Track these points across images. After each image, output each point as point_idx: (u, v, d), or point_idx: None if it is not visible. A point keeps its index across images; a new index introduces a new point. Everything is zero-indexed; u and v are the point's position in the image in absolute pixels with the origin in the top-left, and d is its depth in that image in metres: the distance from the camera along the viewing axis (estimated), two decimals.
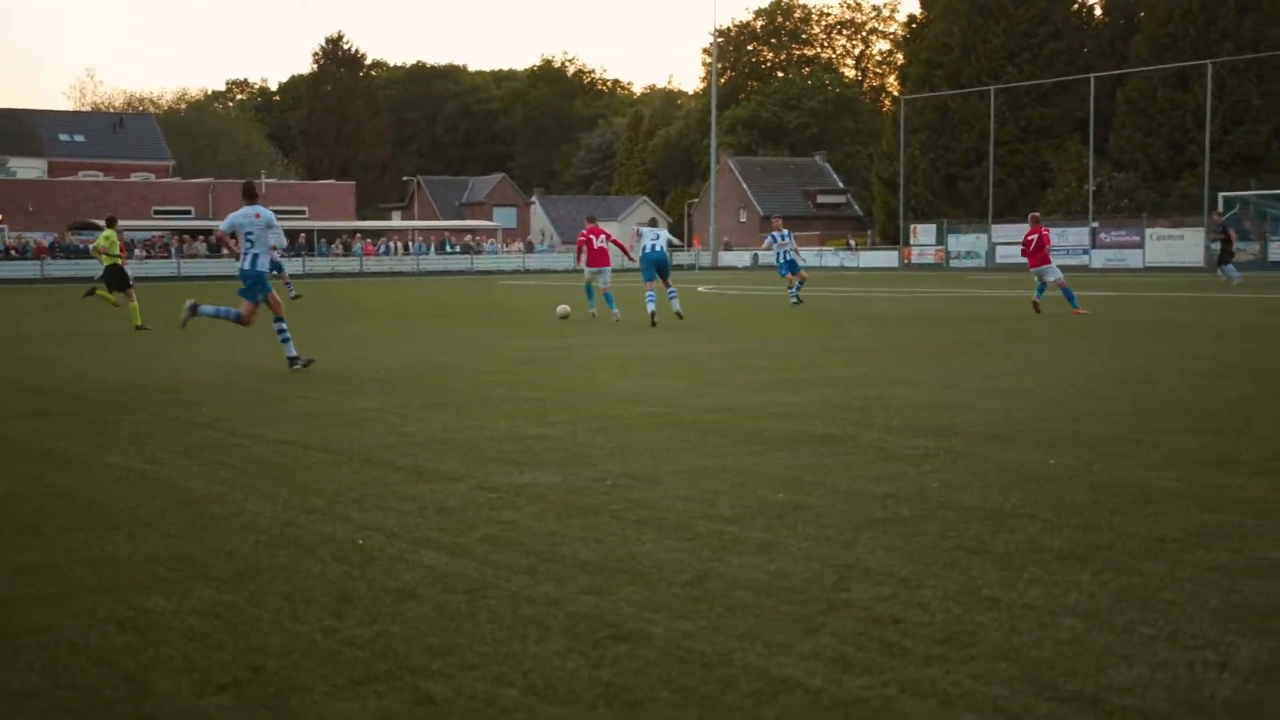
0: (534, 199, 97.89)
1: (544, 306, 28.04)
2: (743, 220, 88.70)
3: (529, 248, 76.34)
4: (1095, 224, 58.41)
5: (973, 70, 68.21)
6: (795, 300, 25.60)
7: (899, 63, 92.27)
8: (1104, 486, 6.39)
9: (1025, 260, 23.07)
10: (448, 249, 71.18)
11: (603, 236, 23.53)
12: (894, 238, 70.07)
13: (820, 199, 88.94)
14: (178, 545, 5.45)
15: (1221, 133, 58.79)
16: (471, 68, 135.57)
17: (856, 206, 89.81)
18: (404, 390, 11.28)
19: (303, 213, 73.78)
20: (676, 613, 4.30)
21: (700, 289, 37.17)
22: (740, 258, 74.60)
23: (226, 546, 5.40)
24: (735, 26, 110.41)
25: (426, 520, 5.85)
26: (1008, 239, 61.83)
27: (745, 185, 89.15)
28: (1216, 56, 58.56)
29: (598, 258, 23.23)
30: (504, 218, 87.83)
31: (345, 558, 5.16)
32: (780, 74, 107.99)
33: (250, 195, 13.93)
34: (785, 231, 26.29)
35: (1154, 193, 61.19)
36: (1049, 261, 22.83)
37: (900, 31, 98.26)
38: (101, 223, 25.71)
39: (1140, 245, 55.92)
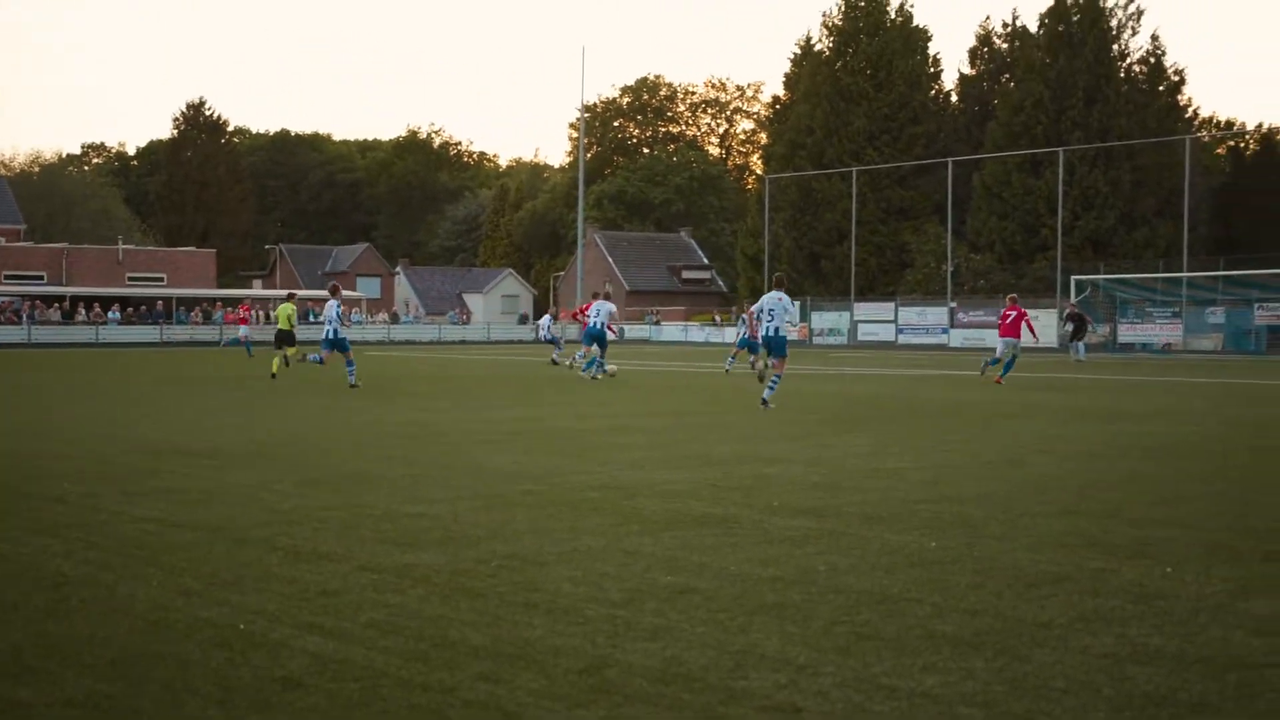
0: (398, 269, 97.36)
1: (410, 378, 27.77)
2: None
3: (394, 318, 75.83)
4: (954, 304, 59.82)
5: (835, 151, 69.70)
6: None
7: (763, 142, 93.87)
8: (986, 570, 6.46)
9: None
10: (310, 318, 70.29)
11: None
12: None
13: (685, 274, 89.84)
14: (45, 631, 5.22)
15: (1072, 218, 60.76)
16: (336, 137, 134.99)
17: (721, 282, 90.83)
18: (275, 465, 11.03)
19: (161, 280, 72.34)
20: (574, 702, 4.22)
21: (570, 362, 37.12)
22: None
23: (99, 632, 5.18)
24: (602, 102, 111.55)
25: (309, 604, 5.68)
26: (870, 316, 63.13)
27: (611, 260, 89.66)
28: (1067, 145, 60.64)
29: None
30: (368, 288, 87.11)
31: (226, 643, 4.98)
32: (646, 150, 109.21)
33: (780, 285, 19.32)
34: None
35: (1010, 274, 62.87)
36: (1018, 336, 26.87)
37: (764, 112, 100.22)
38: None
39: (997, 325, 57.34)
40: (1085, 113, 62.01)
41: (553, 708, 4.15)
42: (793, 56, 76.38)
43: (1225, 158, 74.11)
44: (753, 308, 19.79)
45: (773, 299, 19.13)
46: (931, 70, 72.69)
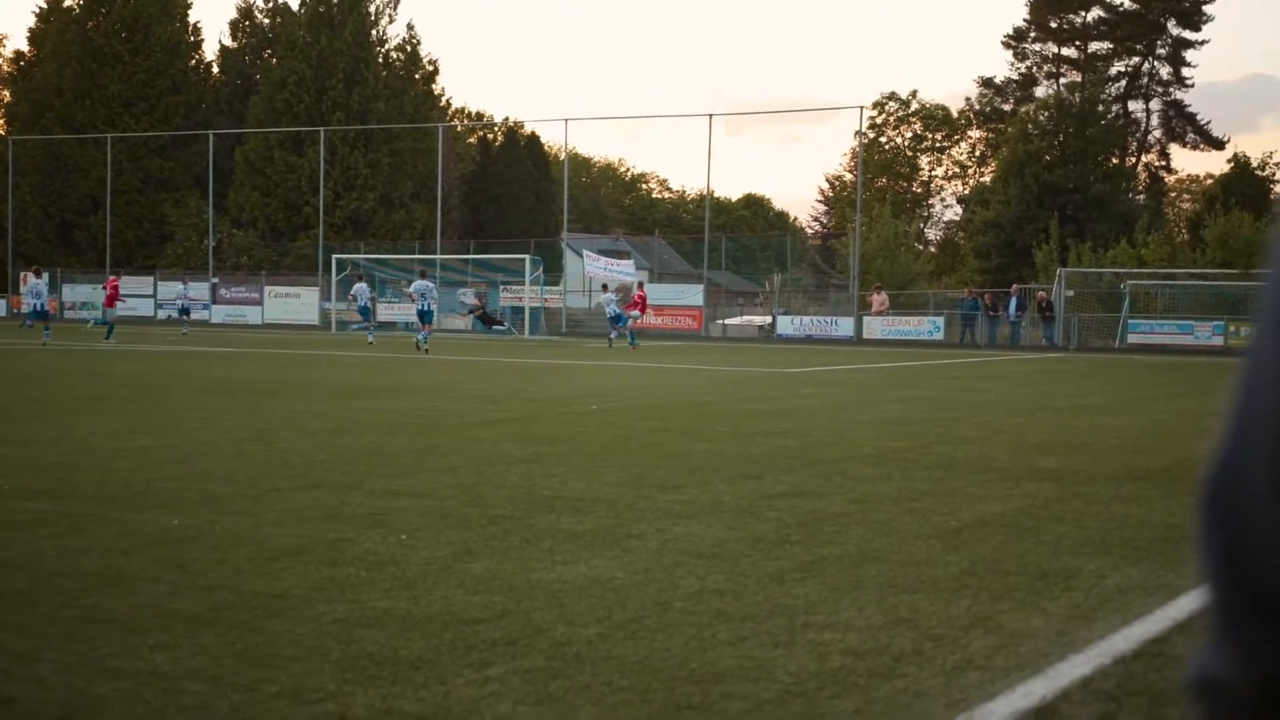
0: None
1: None
2: None
3: None
4: (216, 280, 58.92)
5: (88, 115, 66.23)
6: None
7: (5, 100, 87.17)
8: (227, 545, 6.47)
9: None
10: None
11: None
12: (2, 285, 66.05)
13: None
14: None
15: (334, 197, 61.90)
16: None
17: None
18: None
19: None
20: None
21: None
22: None
23: None
24: None
25: None
26: (127, 291, 60.50)
27: None
28: (329, 125, 61.62)
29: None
30: None
31: None
32: None
33: (424, 275, 29.49)
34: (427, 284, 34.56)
35: (273, 251, 62.96)
36: (644, 311, 38.10)
37: (7, 67, 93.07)
38: None
39: (260, 302, 57.26)
40: (346, 94, 63.36)
41: None
42: (38, 10, 71.48)
43: (475, 147, 78.68)
44: (410, 289, 32.50)
45: (424, 285, 32.71)
46: (192, 39, 71.00)
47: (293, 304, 56.54)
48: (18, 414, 13.58)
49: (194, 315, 49.97)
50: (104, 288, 38.45)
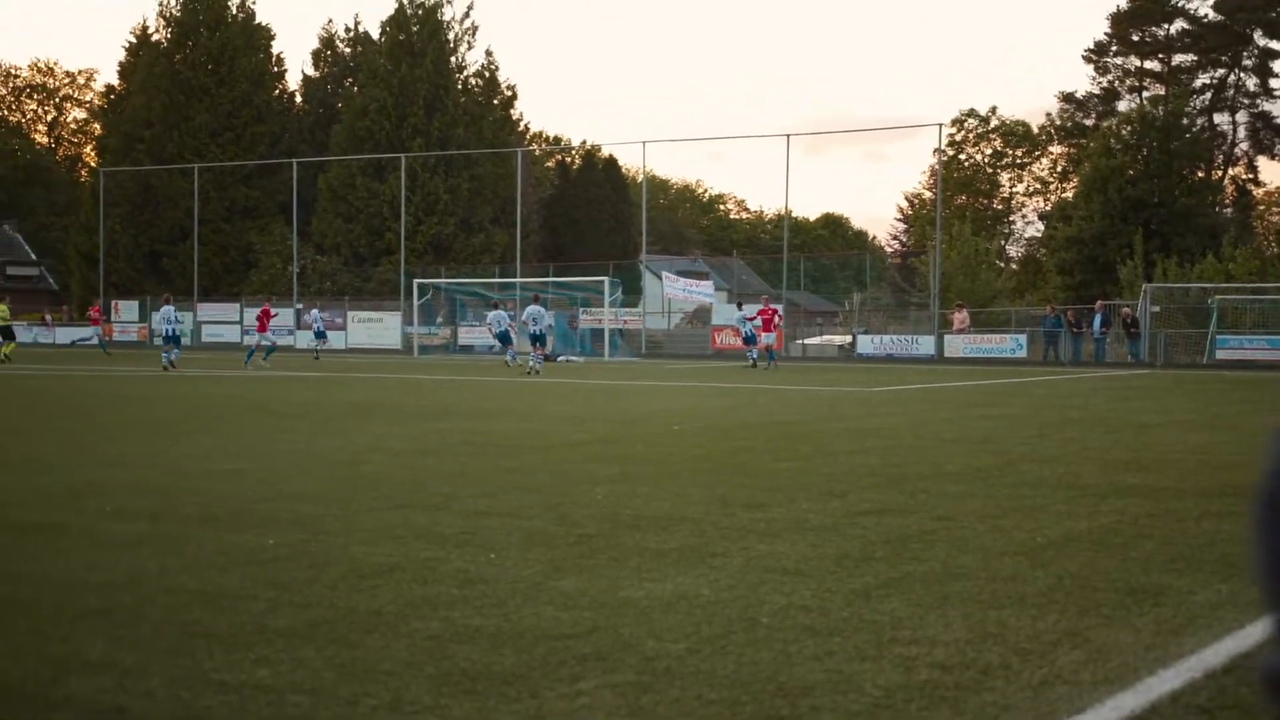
0: None
1: None
2: None
3: None
4: (300, 305, 59.75)
5: (175, 147, 67.55)
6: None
7: (97, 133, 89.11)
8: (321, 564, 6.61)
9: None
10: None
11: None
12: None
13: (10, 271, 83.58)
14: None
15: (415, 222, 62.59)
16: None
17: (52, 280, 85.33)
18: None
19: None
20: None
21: None
22: None
23: None
24: None
25: None
26: (213, 317, 61.66)
27: None
28: (409, 151, 62.35)
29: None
30: None
31: None
32: None
33: (537, 300, 33.64)
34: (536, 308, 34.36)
35: (355, 276, 63.75)
36: (770, 332, 37.71)
37: (98, 101, 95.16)
38: None
39: (344, 327, 57.98)
40: (426, 121, 64.08)
41: None
42: (128, 45, 73.06)
43: (554, 170, 79.21)
44: (524, 316, 34.66)
45: (536, 310, 33.36)
46: (275, 69, 72.22)
47: (375, 329, 57.21)
48: (116, 436, 13.88)
49: (280, 342, 50.55)
50: (258, 315, 40.48)
